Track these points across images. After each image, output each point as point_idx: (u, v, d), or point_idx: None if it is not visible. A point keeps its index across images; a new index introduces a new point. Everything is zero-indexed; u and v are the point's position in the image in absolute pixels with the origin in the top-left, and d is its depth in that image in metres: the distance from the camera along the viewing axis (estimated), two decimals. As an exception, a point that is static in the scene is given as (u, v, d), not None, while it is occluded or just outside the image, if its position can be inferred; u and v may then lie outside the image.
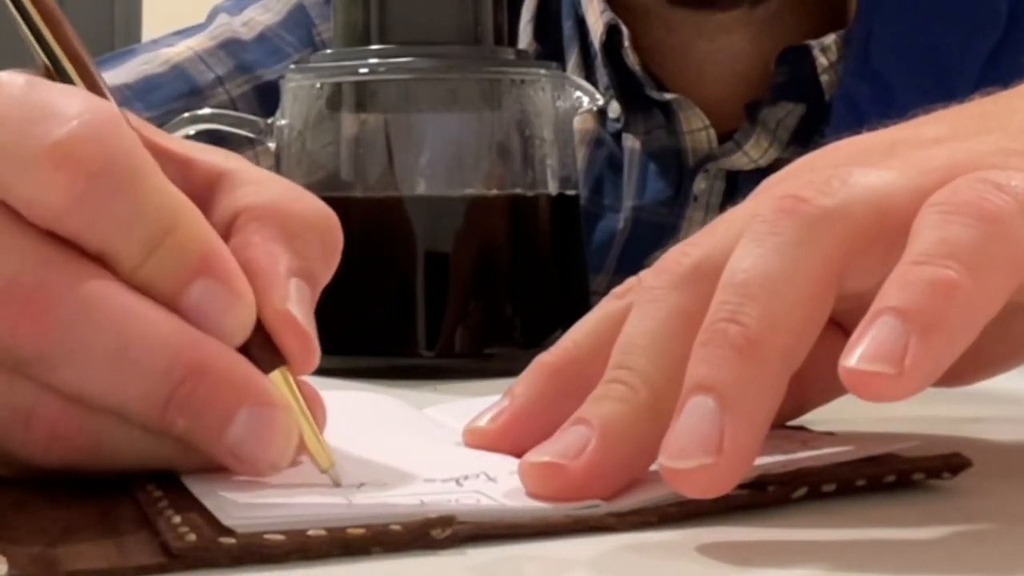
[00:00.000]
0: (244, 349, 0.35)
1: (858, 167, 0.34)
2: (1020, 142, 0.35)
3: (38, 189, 0.33)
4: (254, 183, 0.38)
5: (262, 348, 0.35)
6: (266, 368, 0.35)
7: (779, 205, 0.33)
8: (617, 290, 0.39)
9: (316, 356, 0.36)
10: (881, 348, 0.29)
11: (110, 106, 0.35)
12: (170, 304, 0.34)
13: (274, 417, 0.34)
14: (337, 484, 0.33)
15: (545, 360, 0.38)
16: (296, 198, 0.38)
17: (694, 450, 0.30)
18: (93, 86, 0.37)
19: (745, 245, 0.33)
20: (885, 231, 0.33)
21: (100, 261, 0.34)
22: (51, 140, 0.33)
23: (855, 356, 0.30)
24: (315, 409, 0.36)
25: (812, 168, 0.36)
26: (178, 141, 0.40)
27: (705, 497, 0.31)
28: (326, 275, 0.38)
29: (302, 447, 0.34)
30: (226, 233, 0.37)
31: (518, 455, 0.35)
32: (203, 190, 0.38)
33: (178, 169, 0.38)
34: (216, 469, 0.34)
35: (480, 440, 0.38)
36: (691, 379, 0.32)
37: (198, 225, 0.35)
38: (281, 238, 0.37)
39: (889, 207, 0.33)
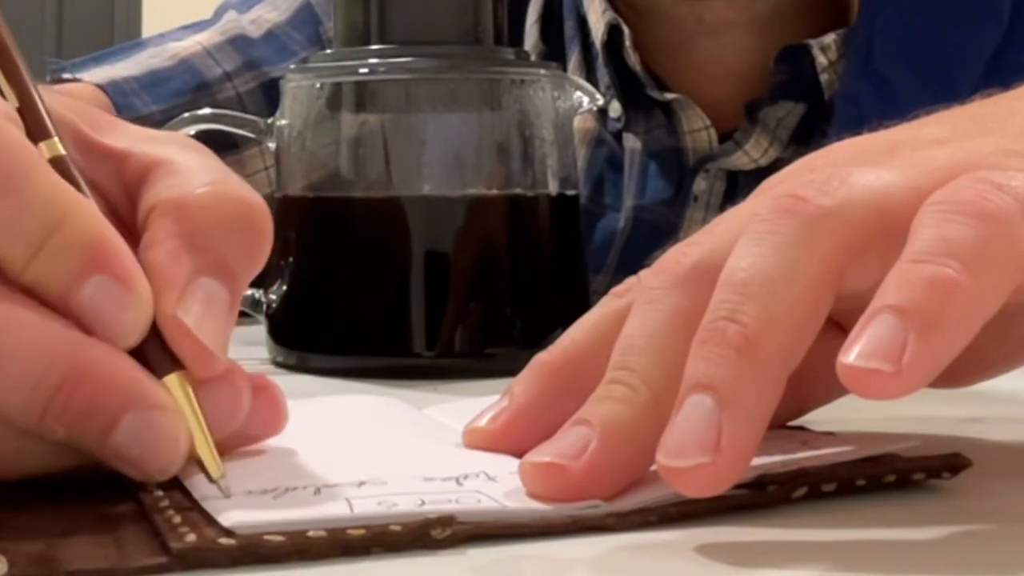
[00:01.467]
0: (140, 350, 0.34)
1: (858, 167, 0.34)
2: (1020, 143, 0.35)
3: None
4: (177, 175, 0.37)
5: (159, 351, 0.34)
6: (160, 372, 0.34)
7: (778, 204, 0.33)
8: (617, 289, 0.39)
9: (210, 361, 0.35)
10: (880, 346, 0.30)
11: None
12: (63, 304, 0.33)
13: (159, 422, 0.33)
14: (227, 495, 0.32)
15: (544, 359, 0.38)
16: (215, 190, 0.36)
17: (692, 449, 0.30)
18: (14, 78, 0.37)
19: (744, 244, 0.33)
20: (884, 231, 0.33)
21: None
22: None
23: (853, 353, 0.30)
24: (274, 397, 0.36)
25: (812, 168, 0.36)
26: (134, 132, 0.39)
27: (703, 496, 0.31)
28: (248, 267, 0.37)
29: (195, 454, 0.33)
30: (143, 228, 0.36)
31: (518, 455, 0.35)
32: (136, 183, 0.37)
33: (113, 164, 0.38)
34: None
35: (480, 440, 0.38)
36: (689, 377, 0.32)
37: (89, 220, 0.34)
38: (188, 234, 0.35)
39: (889, 207, 0.33)
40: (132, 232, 0.37)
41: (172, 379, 0.34)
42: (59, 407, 0.32)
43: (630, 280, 0.39)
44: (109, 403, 0.33)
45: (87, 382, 0.33)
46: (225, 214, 0.36)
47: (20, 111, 0.37)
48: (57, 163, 0.36)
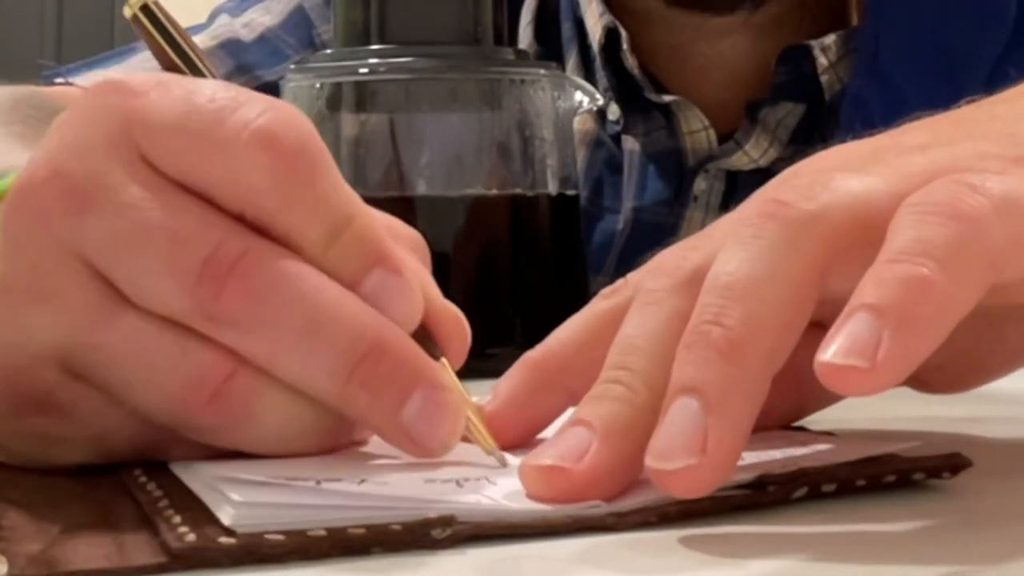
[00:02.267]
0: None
1: (840, 172, 0.35)
2: (999, 146, 0.35)
3: (241, 169, 0.35)
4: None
5: (425, 340, 0.37)
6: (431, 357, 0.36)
7: (763, 209, 0.34)
8: (605, 291, 0.39)
9: (466, 351, 0.39)
10: (855, 343, 0.30)
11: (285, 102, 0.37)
12: (350, 289, 0.36)
13: (446, 400, 0.35)
14: (503, 464, 0.36)
15: (529, 356, 0.40)
16: (396, 220, 0.41)
17: (679, 451, 0.31)
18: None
19: (729, 248, 0.34)
20: (866, 234, 0.33)
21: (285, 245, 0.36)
22: (256, 124, 0.35)
23: (830, 351, 0.30)
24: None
25: (797, 174, 0.37)
26: None
27: (691, 497, 0.32)
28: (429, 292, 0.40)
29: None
30: None
31: (503, 449, 0.36)
32: None
33: None
34: (219, 458, 0.34)
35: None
36: (676, 381, 0.32)
37: (371, 218, 0.37)
38: (408, 250, 0.39)
39: (869, 211, 0.34)
40: None
41: (440, 364, 0.37)
42: (364, 374, 0.35)
43: (619, 282, 0.39)
44: (405, 377, 0.35)
45: (390, 355, 0.35)
46: (415, 242, 0.42)
47: None
48: None
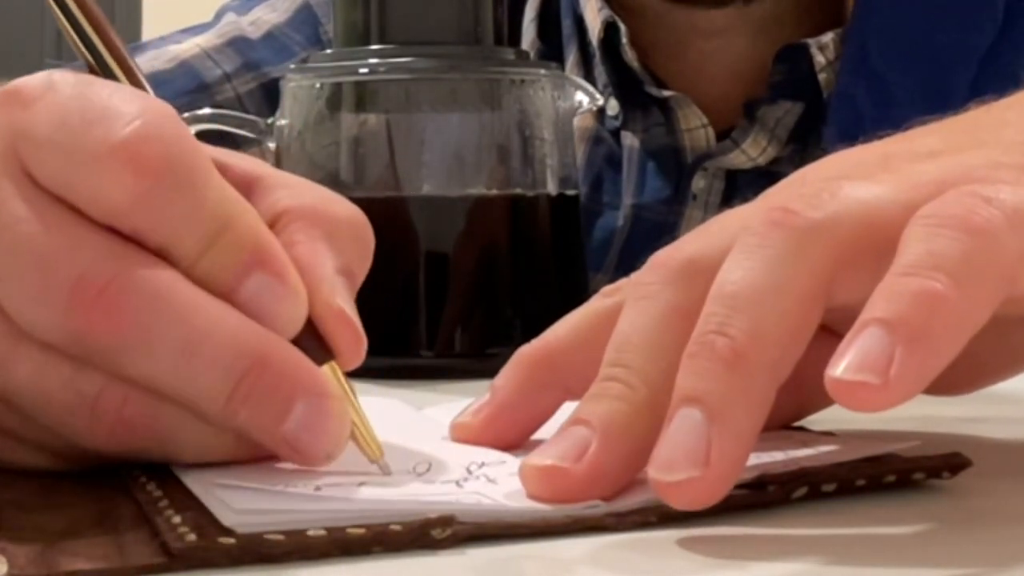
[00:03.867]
0: (295, 343, 0.35)
1: (849, 180, 0.34)
2: (1011, 156, 0.35)
3: (104, 186, 0.34)
4: (288, 187, 0.39)
5: (312, 342, 0.36)
6: (317, 361, 0.35)
7: (769, 217, 0.34)
8: (606, 289, 0.39)
9: (363, 350, 0.37)
10: (867, 358, 0.30)
11: (166, 105, 0.36)
12: (227, 297, 0.35)
13: (329, 409, 0.34)
14: (387, 473, 0.34)
15: (525, 352, 0.39)
16: (331, 200, 0.39)
17: (682, 463, 0.31)
18: (137, 85, 0.38)
19: (734, 257, 0.33)
20: (874, 244, 0.33)
21: (160, 256, 0.35)
22: (116, 139, 0.34)
23: (841, 366, 0.30)
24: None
25: (805, 181, 0.36)
26: (209, 147, 0.41)
27: (693, 509, 0.31)
28: (362, 274, 0.39)
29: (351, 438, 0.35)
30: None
31: (502, 447, 0.36)
32: (240, 191, 0.39)
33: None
34: (223, 463, 0.34)
35: (464, 434, 0.39)
36: (679, 391, 0.32)
37: (253, 221, 0.36)
38: (324, 238, 0.38)
39: (878, 220, 0.33)
40: None
41: (326, 368, 0.36)
42: (245, 392, 0.34)
43: (621, 281, 0.39)
44: (286, 389, 0.34)
45: (270, 369, 0.34)
46: (346, 223, 0.39)
47: None
48: None
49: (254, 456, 0.35)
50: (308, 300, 0.36)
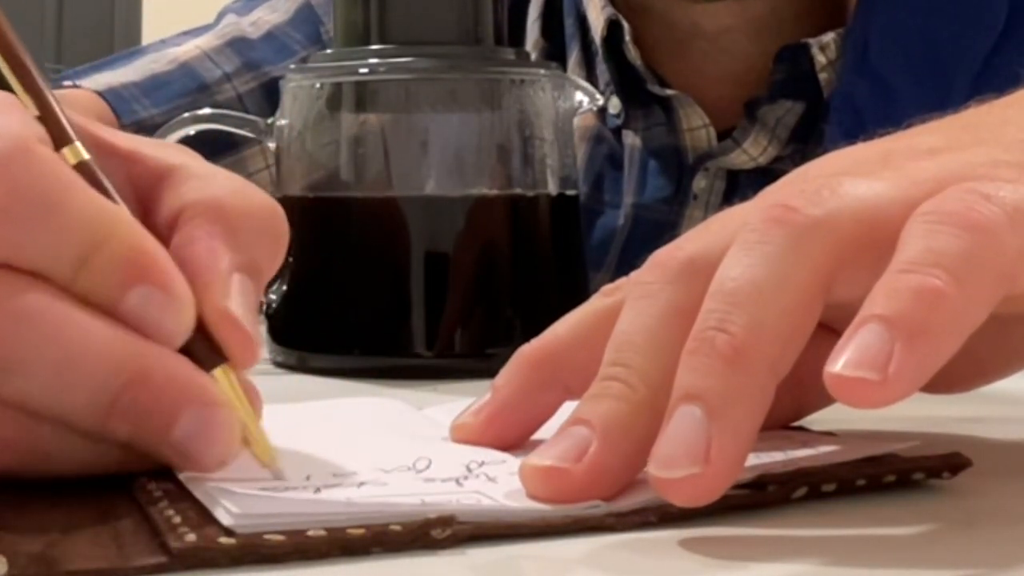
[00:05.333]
0: (185, 348, 0.35)
1: (849, 177, 0.34)
2: (1011, 154, 0.35)
3: None
4: (199, 178, 0.38)
5: (203, 346, 0.35)
6: (208, 366, 0.35)
7: (768, 214, 0.34)
8: (607, 288, 0.39)
9: (257, 352, 0.36)
10: (866, 355, 0.30)
11: (21, 131, 0.35)
12: (110, 312, 0.34)
13: (217, 416, 0.34)
14: (280, 479, 0.34)
15: (525, 352, 0.39)
16: (241, 192, 0.38)
17: (682, 460, 0.31)
18: (31, 86, 0.37)
19: (734, 254, 0.33)
20: (874, 241, 0.33)
21: (38, 277, 0.34)
22: None
23: (840, 362, 0.30)
24: (253, 402, 0.36)
25: (805, 178, 0.36)
26: (128, 137, 0.40)
27: (693, 506, 0.31)
28: (271, 267, 0.38)
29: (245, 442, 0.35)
30: (171, 229, 0.37)
31: (502, 447, 0.36)
32: (150, 185, 0.38)
33: (124, 165, 0.38)
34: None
35: (465, 434, 0.38)
36: (679, 388, 0.32)
37: (131, 234, 0.35)
38: (223, 233, 0.37)
39: (878, 217, 0.33)
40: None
41: (218, 372, 0.35)
42: (124, 407, 0.34)
43: (621, 280, 0.39)
44: (169, 402, 0.34)
45: (150, 383, 0.34)
46: (252, 216, 0.38)
47: (40, 118, 0.37)
48: (82, 168, 0.36)
49: (146, 467, 0.35)
50: (199, 303, 0.35)
